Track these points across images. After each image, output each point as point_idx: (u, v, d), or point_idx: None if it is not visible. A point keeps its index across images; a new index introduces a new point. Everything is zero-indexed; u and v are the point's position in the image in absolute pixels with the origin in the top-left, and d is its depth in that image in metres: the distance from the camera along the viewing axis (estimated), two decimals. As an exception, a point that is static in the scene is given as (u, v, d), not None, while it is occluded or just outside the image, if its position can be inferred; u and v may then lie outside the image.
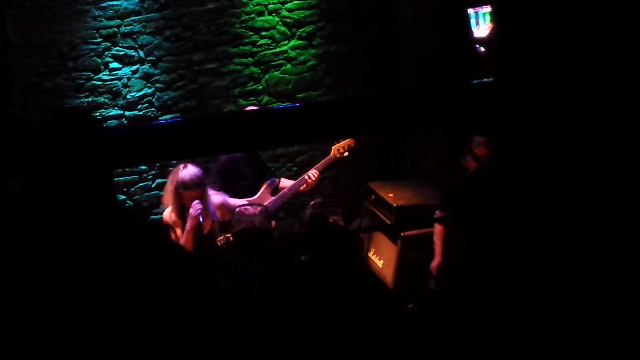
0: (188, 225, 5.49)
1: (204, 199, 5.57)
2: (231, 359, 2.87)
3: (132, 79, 7.39)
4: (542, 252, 3.06)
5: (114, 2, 7.24)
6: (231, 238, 5.24)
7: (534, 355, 2.97)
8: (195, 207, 5.49)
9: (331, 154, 6.44)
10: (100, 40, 7.27)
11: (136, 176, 7.48)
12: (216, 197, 5.77)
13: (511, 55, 3.28)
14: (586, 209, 2.97)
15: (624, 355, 2.75)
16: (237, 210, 5.24)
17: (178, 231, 5.59)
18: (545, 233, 3.07)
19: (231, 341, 2.89)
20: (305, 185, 6.35)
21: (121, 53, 7.35)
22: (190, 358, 2.52)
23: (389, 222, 6.62)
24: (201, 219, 5.47)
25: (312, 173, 6.36)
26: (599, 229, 2.95)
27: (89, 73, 7.30)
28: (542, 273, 3.06)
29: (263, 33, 7.63)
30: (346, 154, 6.42)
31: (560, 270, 3.01)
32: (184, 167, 5.61)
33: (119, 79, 7.37)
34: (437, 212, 6.04)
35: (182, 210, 5.57)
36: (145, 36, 7.36)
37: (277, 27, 7.65)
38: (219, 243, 5.49)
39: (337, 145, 6.41)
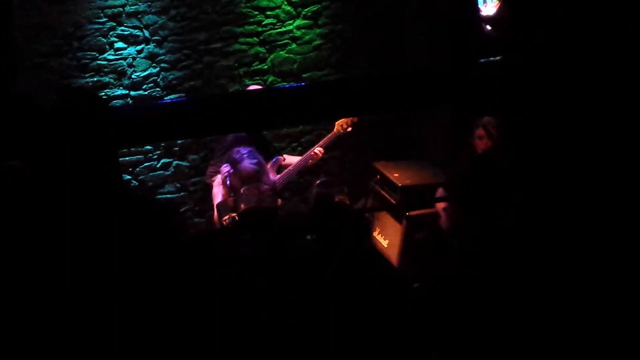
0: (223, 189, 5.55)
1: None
2: (231, 357, 2.88)
3: (137, 58, 7.38)
4: (544, 246, 3.06)
5: (119, -18, 7.24)
6: (237, 217, 5.25)
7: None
8: (223, 170, 5.50)
9: (334, 129, 6.43)
10: (105, 19, 7.26)
11: (141, 156, 7.49)
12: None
13: (513, 43, 3.27)
14: (587, 204, 2.97)
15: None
16: (242, 189, 5.25)
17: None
18: (546, 224, 3.07)
19: (231, 337, 2.90)
20: (310, 161, 6.35)
21: (126, 33, 7.33)
22: (191, 354, 2.53)
23: (394, 202, 6.62)
24: (228, 182, 5.47)
25: (317, 150, 6.36)
26: (599, 223, 2.95)
27: (94, 53, 7.29)
28: (543, 266, 3.07)
29: (268, 12, 7.60)
30: (350, 129, 6.40)
31: (561, 265, 3.01)
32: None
33: (124, 58, 7.36)
34: (439, 190, 6.04)
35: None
36: (150, 16, 7.34)
37: (282, 7, 7.62)
38: (224, 222, 5.50)
39: (340, 120, 6.40)
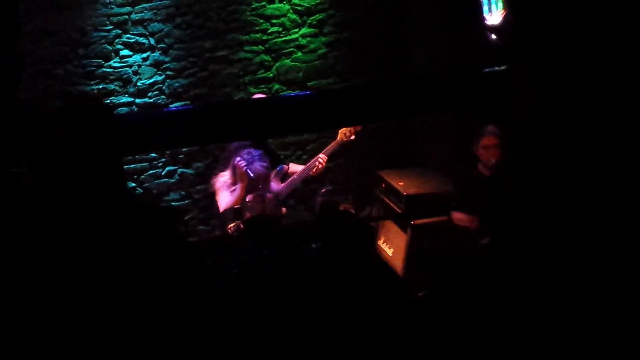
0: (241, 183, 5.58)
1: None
2: (231, 357, 2.88)
3: (143, 66, 7.39)
4: (545, 246, 3.06)
5: (125, -11, 7.26)
6: (242, 225, 5.25)
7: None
8: (239, 163, 5.55)
9: (338, 137, 6.41)
10: (111, 27, 7.27)
11: (146, 164, 7.50)
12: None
13: (515, 47, 3.28)
14: (587, 203, 2.97)
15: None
16: (247, 198, 5.25)
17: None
18: (546, 227, 3.07)
19: (232, 338, 2.90)
20: (314, 169, 6.33)
21: (132, 40, 7.34)
22: (191, 354, 2.53)
23: (399, 211, 6.61)
24: (251, 174, 5.52)
25: (321, 158, 6.35)
26: (599, 223, 2.95)
27: (100, 60, 7.30)
28: (543, 266, 3.07)
29: (274, 21, 7.61)
30: (353, 137, 6.37)
31: (562, 264, 3.01)
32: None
33: (130, 66, 7.37)
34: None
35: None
36: (156, 23, 7.36)
37: (287, 15, 7.63)
38: (229, 230, 5.50)
39: (343, 128, 6.38)
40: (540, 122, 3.13)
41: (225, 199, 5.74)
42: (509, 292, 3.26)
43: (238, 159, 5.64)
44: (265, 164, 5.66)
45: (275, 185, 6.08)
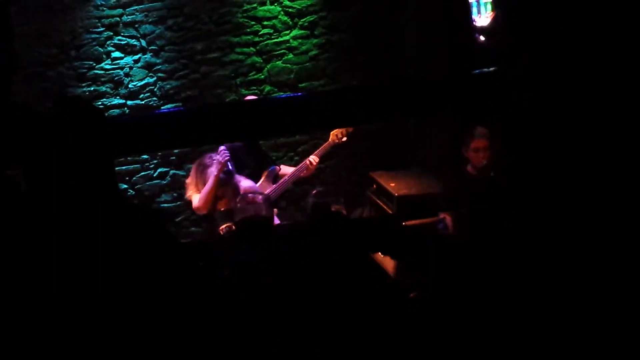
0: (215, 170, 5.55)
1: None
2: (231, 357, 2.88)
3: (134, 68, 7.40)
4: (544, 249, 3.07)
5: (116, -9, 7.27)
6: (233, 227, 5.25)
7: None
8: (223, 153, 5.53)
9: (330, 139, 6.43)
10: (102, 29, 7.28)
11: (138, 165, 7.50)
12: (245, 182, 5.78)
13: (513, 46, 3.28)
14: (587, 204, 2.98)
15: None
16: (239, 198, 5.25)
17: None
18: (546, 229, 3.08)
19: (231, 339, 2.90)
20: (305, 171, 6.34)
21: (123, 42, 7.35)
22: (190, 357, 2.53)
23: (390, 212, 6.63)
24: (230, 166, 5.51)
25: (312, 159, 6.36)
26: (600, 223, 2.96)
27: (91, 62, 7.31)
28: (543, 268, 3.08)
29: (265, 23, 7.63)
30: (345, 138, 6.39)
31: (562, 265, 3.02)
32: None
33: (121, 68, 7.38)
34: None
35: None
36: (147, 25, 7.36)
37: (279, 17, 7.64)
38: (221, 232, 5.50)
39: (335, 130, 6.39)
40: (539, 122, 3.14)
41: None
42: (507, 292, 3.26)
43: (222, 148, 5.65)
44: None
45: (267, 185, 6.09)
